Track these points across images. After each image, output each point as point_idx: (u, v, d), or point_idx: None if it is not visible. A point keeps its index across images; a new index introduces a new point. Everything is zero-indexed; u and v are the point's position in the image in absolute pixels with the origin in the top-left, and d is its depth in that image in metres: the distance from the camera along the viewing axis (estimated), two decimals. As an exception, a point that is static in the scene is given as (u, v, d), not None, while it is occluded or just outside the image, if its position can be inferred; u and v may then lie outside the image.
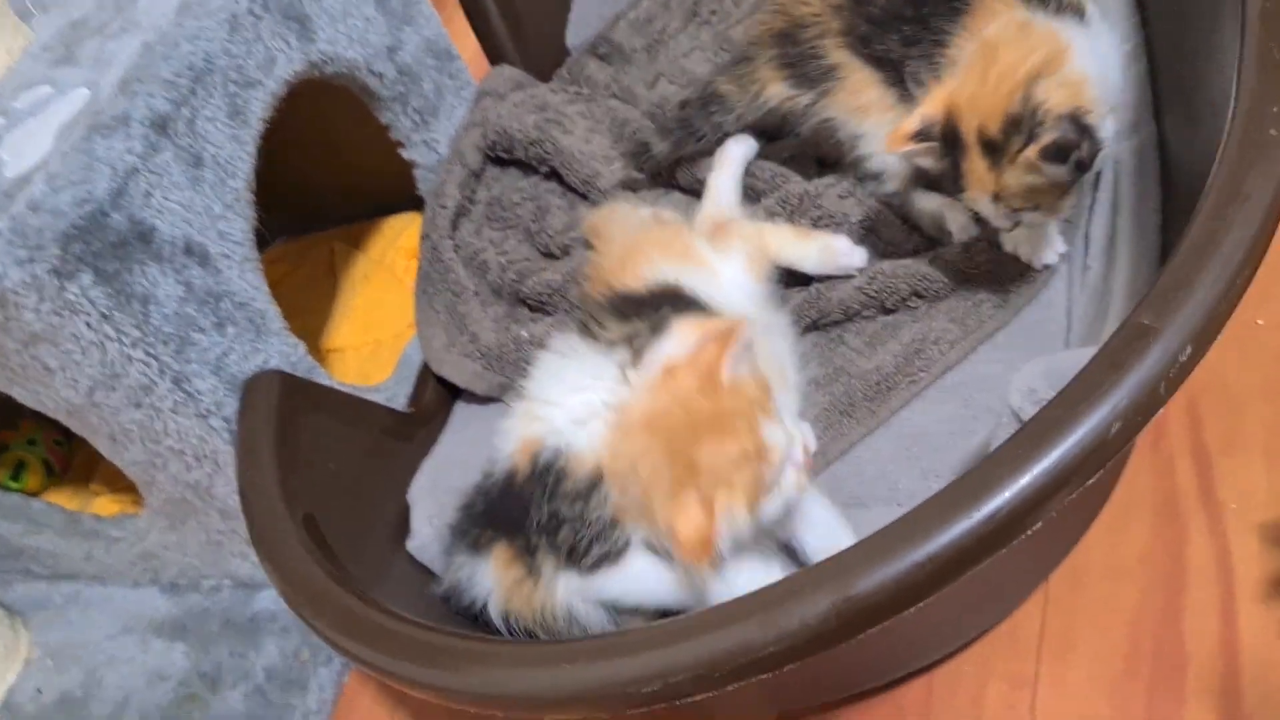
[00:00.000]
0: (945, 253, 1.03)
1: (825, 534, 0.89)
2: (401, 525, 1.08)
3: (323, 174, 1.56)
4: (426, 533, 1.01)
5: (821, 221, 1.09)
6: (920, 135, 0.90)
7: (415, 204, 1.55)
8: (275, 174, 1.13)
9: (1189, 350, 0.59)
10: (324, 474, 1.02)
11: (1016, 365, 0.96)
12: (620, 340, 0.88)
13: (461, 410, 1.24)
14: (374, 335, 1.47)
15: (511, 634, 0.89)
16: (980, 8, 0.93)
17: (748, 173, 1.17)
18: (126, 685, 1.25)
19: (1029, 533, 0.60)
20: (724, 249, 1.01)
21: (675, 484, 0.75)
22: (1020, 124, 0.85)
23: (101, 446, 1.10)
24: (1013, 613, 0.94)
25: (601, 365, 0.88)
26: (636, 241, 1.02)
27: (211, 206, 1.03)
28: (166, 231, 0.99)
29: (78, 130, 0.98)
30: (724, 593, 0.85)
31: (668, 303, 0.90)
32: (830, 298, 1.06)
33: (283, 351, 1.10)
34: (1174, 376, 0.59)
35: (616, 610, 0.88)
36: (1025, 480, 0.58)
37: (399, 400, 1.25)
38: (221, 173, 1.05)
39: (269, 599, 1.26)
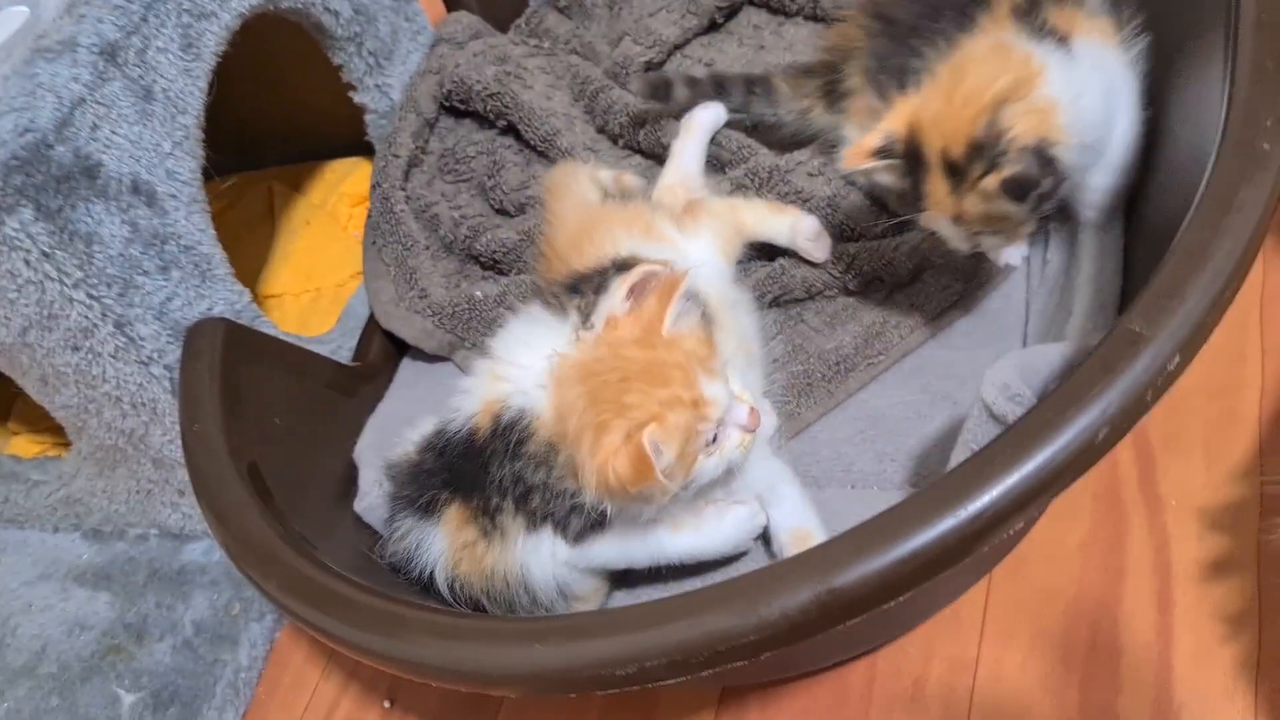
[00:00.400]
0: (910, 239, 1.03)
1: (791, 511, 0.89)
2: (345, 483, 1.05)
3: (265, 111, 1.49)
4: (375, 494, 0.99)
5: (789, 198, 1.09)
6: (882, 151, 0.87)
7: (358, 149, 1.50)
8: (215, 107, 1.08)
9: (1177, 359, 0.60)
10: (268, 426, 0.98)
11: (974, 353, 0.99)
12: (580, 307, 0.87)
13: (409, 367, 1.21)
14: (314, 283, 1.43)
15: (455, 601, 0.88)
16: (980, 28, 0.92)
17: (714, 141, 1.16)
18: (44, 634, 1.20)
19: (1011, 532, 0.60)
20: (692, 228, 1.00)
21: (599, 425, 0.75)
22: (983, 150, 0.83)
23: (29, 388, 1.05)
24: (958, 598, 0.96)
25: (563, 330, 0.87)
26: (598, 218, 1.00)
27: (160, 143, 0.98)
28: (113, 167, 0.94)
29: (18, 53, 0.92)
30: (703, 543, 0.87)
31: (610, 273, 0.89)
32: (794, 275, 1.05)
33: (227, 298, 1.06)
34: (1161, 384, 0.60)
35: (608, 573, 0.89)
36: (1013, 480, 0.59)
37: (343, 353, 1.21)
38: (172, 108, 1.00)
39: (198, 551, 1.22)
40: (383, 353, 1.21)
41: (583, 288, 0.91)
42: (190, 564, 1.21)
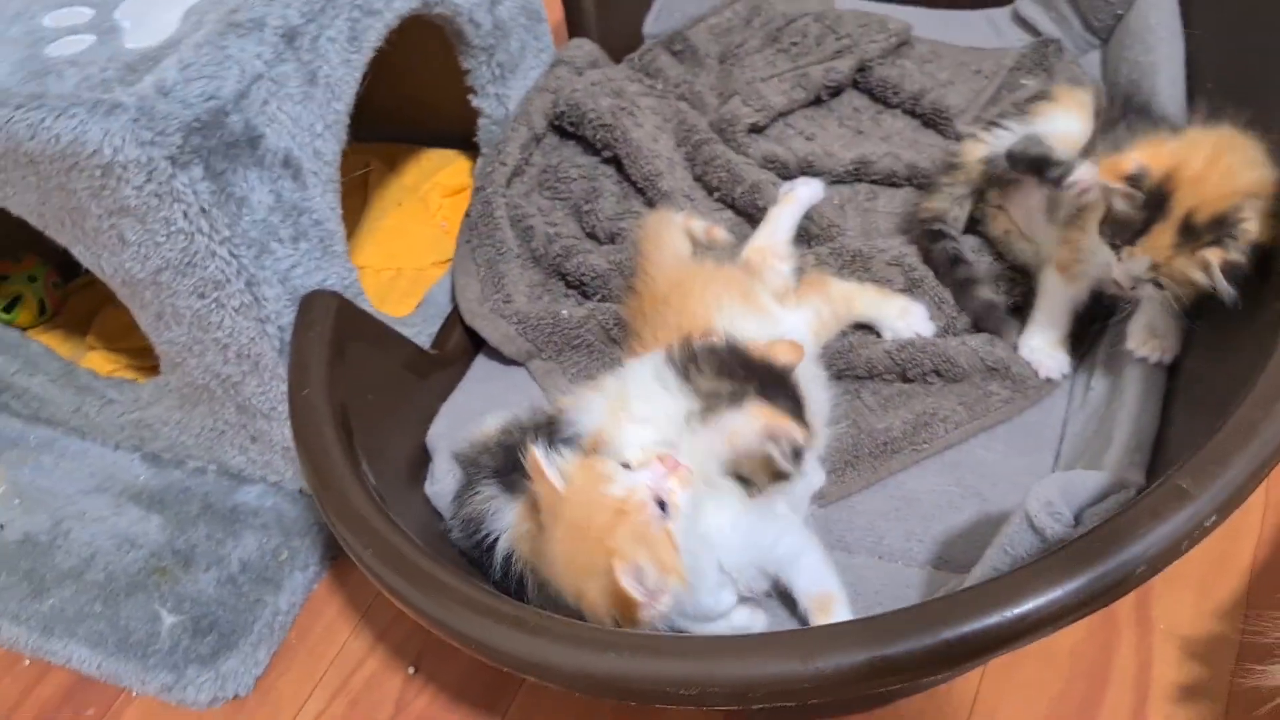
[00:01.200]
0: (971, 341, 1.13)
1: (814, 578, 0.95)
2: (415, 465, 1.13)
3: (378, 89, 1.58)
4: (448, 482, 1.07)
5: (864, 281, 1.18)
6: (1132, 179, 0.94)
7: (457, 143, 1.59)
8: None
9: (1214, 519, 0.69)
10: (363, 400, 1.06)
11: (1010, 459, 1.09)
12: (707, 391, 0.92)
13: (483, 364, 1.29)
14: (396, 263, 1.51)
15: (506, 573, 0.96)
16: None
17: (806, 215, 1.25)
18: (95, 543, 1.28)
19: (1040, 638, 0.69)
20: (794, 303, 1.09)
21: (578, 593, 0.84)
22: (1221, 226, 0.92)
23: (143, 319, 1.13)
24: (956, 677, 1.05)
25: (678, 403, 0.93)
26: (697, 274, 1.09)
27: (315, 124, 1.07)
28: (273, 141, 1.02)
29: (210, 23, 1.00)
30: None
31: (755, 375, 0.93)
32: (861, 354, 1.14)
33: (341, 274, 1.14)
34: (1197, 536, 0.69)
35: None
36: (1058, 594, 0.68)
37: (421, 338, 1.29)
38: (330, 93, 1.08)
39: (253, 494, 1.30)
40: (460, 345, 1.29)
41: (713, 368, 0.95)
42: (243, 505, 1.29)
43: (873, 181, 1.34)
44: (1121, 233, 0.97)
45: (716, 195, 1.34)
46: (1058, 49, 1.41)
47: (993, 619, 0.68)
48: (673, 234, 1.21)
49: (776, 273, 1.15)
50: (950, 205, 1.21)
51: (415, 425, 1.19)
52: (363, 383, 1.08)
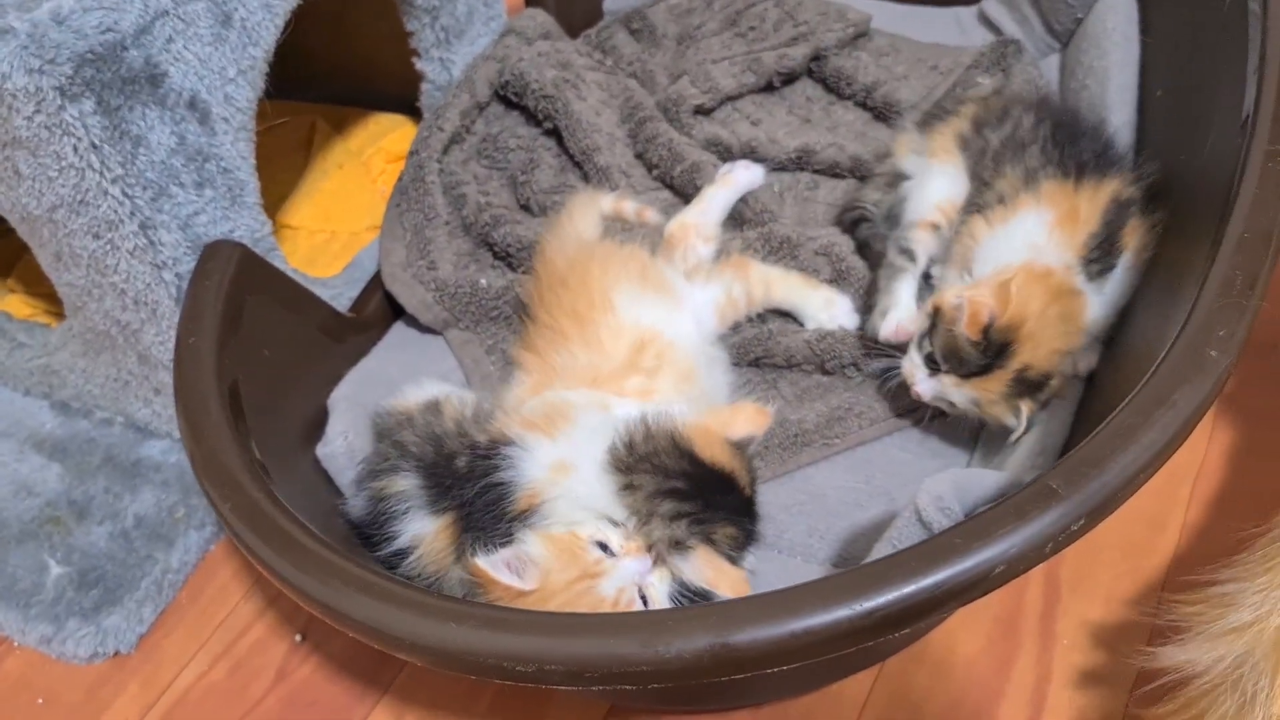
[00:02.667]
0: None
1: None
2: (312, 426, 1.09)
3: (322, 47, 1.55)
4: (339, 445, 1.04)
5: (790, 269, 1.15)
6: (985, 329, 0.92)
7: (404, 108, 1.56)
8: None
9: (1082, 523, 0.66)
10: (257, 355, 1.03)
11: (922, 461, 1.06)
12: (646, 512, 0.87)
13: (400, 331, 1.26)
14: (331, 225, 1.48)
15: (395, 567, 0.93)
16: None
17: (740, 199, 1.22)
18: (-8, 488, 1.25)
19: (897, 635, 0.66)
20: (709, 279, 1.05)
21: None
22: (1045, 380, 0.95)
23: (42, 259, 1.10)
24: (848, 677, 1.02)
25: (616, 501, 0.88)
26: (594, 254, 1.05)
27: (227, 69, 1.03)
28: (177, 80, 0.99)
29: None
30: None
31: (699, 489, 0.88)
32: (780, 343, 1.11)
33: (250, 226, 1.11)
34: (1063, 540, 0.66)
35: None
36: (908, 590, 0.65)
37: (342, 301, 1.26)
38: (246, 38, 1.05)
39: (158, 449, 1.27)
40: (379, 311, 1.26)
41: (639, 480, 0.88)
42: (146, 459, 1.26)
43: (815, 171, 1.31)
44: (955, 365, 0.95)
45: (655, 173, 1.30)
46: (1017, 49, 1.38)
47: (842, 613, 0.65)
48: (586, 214, 1.18)
49: (695, 252, 1.12)
50: (878, 194, 1.18)
51: (323, 386, 1.15)
52: (262, 338, 1.05)
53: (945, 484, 0.82)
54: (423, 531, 0.91)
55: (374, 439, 1.04)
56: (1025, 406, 0.94)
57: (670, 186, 1.30)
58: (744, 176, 1.23)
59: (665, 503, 0.85)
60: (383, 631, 0.70)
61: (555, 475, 0.88)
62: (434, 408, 1.00)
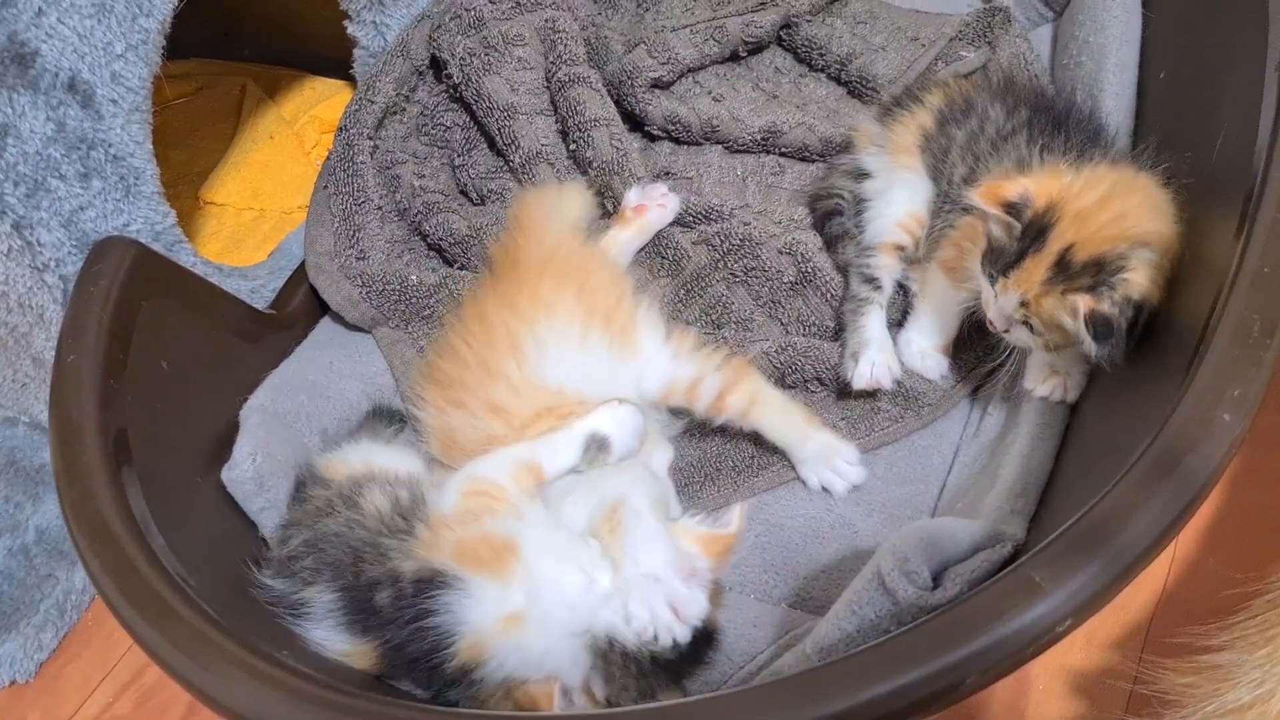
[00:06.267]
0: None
1: None
2: (220, 444, 0.97)
3: (258, 5, 1.42)
4: (247, 468, 0.93)
5: (753, 271, 1.05)
6: (1012, 208, 0.83)
7: (341, 72, 1.43)
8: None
9: (1068, 623, 0.56)
10: (153, 370, 0.92)
11: (889, 487, 0.96)
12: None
13: (327, 327, 1.15)
14: (260, 203, 1.36)
15: None
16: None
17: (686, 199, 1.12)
18: (-120, 496, 1.14)
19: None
20: (690, 360, 0.95)
21: None
22: (1099, 270, 0.79)
23: (-83, 256, 0.98)
24: None
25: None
26: (579, 289, 0.95)
27: (113, 44, 0.91)
28: (51, 60, 0.87)
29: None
30: None
31: None
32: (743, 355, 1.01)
33: (149, 218, 1.00)
34: (1045, 643, 0.56)
35: None
36: (862, 699, 0.56)
37: (264, 293, 1.15)
38: (135, 8, 0.92)
39: (63, 454, 1.16)
40: (305, 305, 1.15)
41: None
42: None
43: (782, 154, 1.20)
44: (996, 262, 0.84)
45: (572, 149, 1.18)
46: (1005, 19, 1.26)
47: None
48: (565, 210, 1.07)
49: None
50: (847, 182, 1.07)
51: (235, 395, 1.04)
52: (159, 350, 0.94)
53: (911, 542, 0.73)
54: (343, 648, 0.81)
55: (293, 488, 0.93)
56: (1082, 302, 0.79)
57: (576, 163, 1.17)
58: (657, 217, 1.10)
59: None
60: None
61: (507, 627, 0.77)
62: (357, 489, 0.87)
